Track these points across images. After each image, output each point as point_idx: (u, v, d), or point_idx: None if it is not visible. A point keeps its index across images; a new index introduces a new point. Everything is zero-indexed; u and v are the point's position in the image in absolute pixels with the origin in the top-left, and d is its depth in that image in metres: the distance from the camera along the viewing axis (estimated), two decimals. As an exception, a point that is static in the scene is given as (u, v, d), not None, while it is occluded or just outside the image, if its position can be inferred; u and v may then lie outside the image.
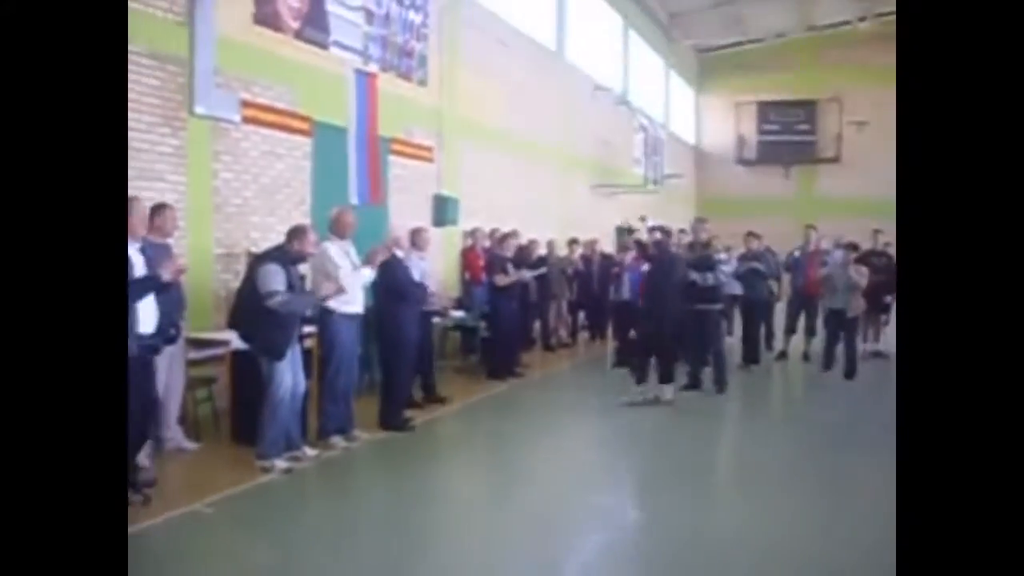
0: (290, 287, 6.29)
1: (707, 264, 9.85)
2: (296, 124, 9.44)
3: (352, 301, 6.99)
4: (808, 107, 28.19)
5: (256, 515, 5.64)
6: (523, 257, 12.25)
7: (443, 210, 12.28)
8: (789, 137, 28.66)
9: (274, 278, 6.20)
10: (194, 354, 7.49)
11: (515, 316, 10.80)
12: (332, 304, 6.86)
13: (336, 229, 7.15)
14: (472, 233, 12.39)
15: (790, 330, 12.97)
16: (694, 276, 9.80)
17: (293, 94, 9.39)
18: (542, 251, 13.73)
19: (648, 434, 8.25)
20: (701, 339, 10.10)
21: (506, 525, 5.66)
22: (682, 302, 9.52)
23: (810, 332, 12.78)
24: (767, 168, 28.53)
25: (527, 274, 11.21)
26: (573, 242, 14.94)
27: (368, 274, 7.14)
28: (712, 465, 7.50)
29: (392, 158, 11.24)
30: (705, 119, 29.94)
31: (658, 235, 9.75)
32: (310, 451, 6.76)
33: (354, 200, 10.01)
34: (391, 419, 7.69)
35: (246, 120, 8.63)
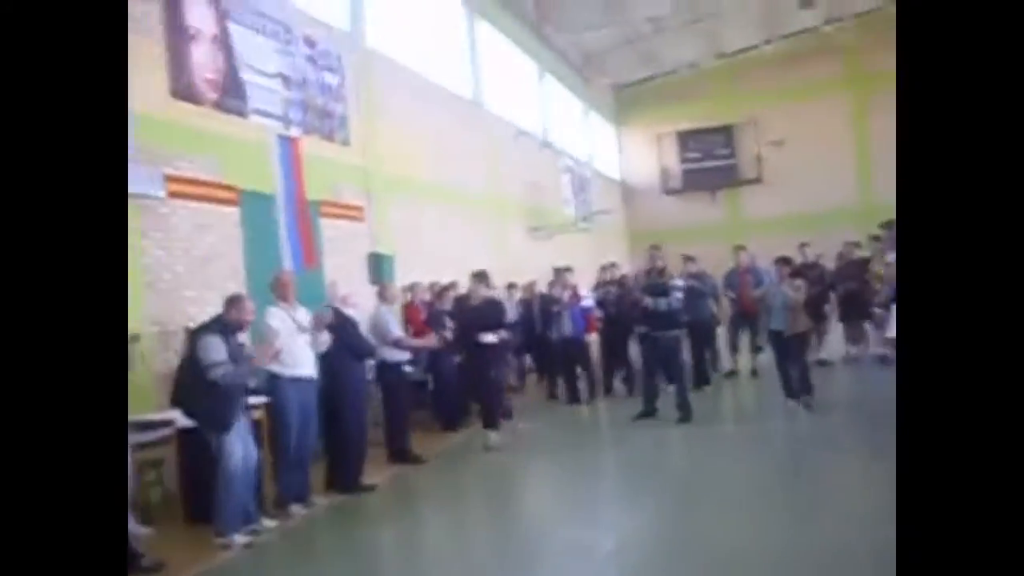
0: (231, 357, 6.19)
1: (661, 290, 9.89)
2: (223, 195, 9.36)
3: (299, 364, 6.90)
4: (726, 132, 28.78)
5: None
6: (462, 307, 12.24)
7: (379, 268, 12.23)
8: (711, 163, 29.19)
9: (214, 349, 6.10)
10: (138, 437, 7.30)
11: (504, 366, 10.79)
12: (278, 369, 6.77)
13: (278, 292, 7.08)
14: (411, 288, 12.31)
15: (733, 347, 13.19)
16: (647, 302, 9.87)
17: (217, 165, 9.32)
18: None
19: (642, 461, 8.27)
20: (663, 365, 10.12)
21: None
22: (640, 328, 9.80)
23: (755, 349, 12.96)
24: (693, 195, 29.00)
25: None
26: (511, 286, 14.96)
27: (325, 339, 7.07)
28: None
29: (323, 220, 11.19)
30: (628, 153, 30.39)
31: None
32: (268, 523, 6.61)
33: (288, 265, 9.90)
34: (348, 480, 7.56)
35: (172, 195, 8.53)
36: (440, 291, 11.08)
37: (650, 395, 10.08)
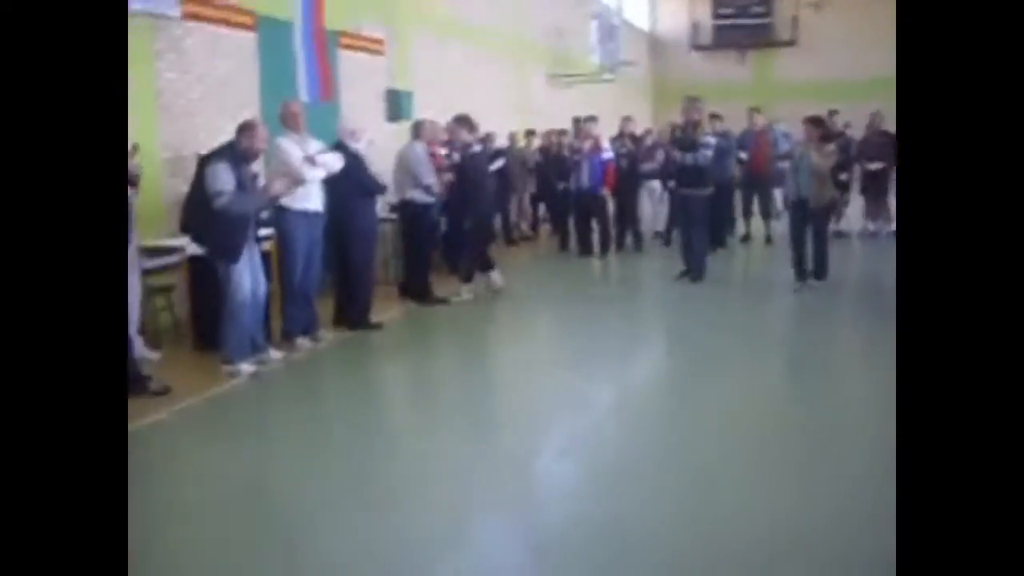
0: (240, 186, 6.07)
1: (691, 144, 9.56)
2: (238, 19, 9.03)
3: (307, 197, 6.78)
4: (764, -11, 27.72)
5: (225, 421, 5.56)
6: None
7: (397, 105, 11.95)
8: (745, 21, 28.24)
9: (222, 177, 5.98)
10: (149, 263, 7.28)
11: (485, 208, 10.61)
12: (286, 201, 6.66)
13: (287, 122, 6.90)
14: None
15: (746, 212, 13.01)
16: (676, 155, 9.64)
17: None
18: (501, 143, 13.50)
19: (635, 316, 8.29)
20: (685, 225, 9.95)
21: (480, 419, 5.63)
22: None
23: (765, 215, 12.82)
24: (723, 53, 28.18)
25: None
26: (530, 133, 14.71)
27: (332, 159, 6.90)
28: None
29: (341, 52, 10.85)
30: (659, 4, 29.34)
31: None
32: (276, 354, 6.65)
33: (304, 97, 9.69)
34: (357, 317, 7.58)
35: (187, 16, 8.23)
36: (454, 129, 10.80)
37: (688, 254, 9.82)
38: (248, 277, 6.19)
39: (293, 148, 6.75)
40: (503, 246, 13.29)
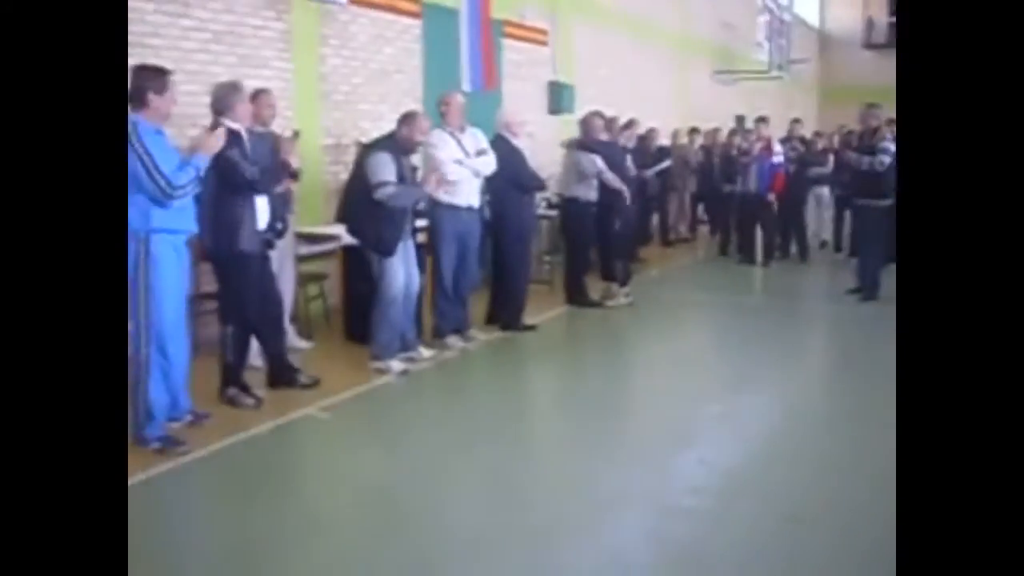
0: (400, 178, 5.85)
1: (868, 148, 8.75)
2: (404, 5, 8.88)
3: (458, 192, 6.50)
4: (946, -16, 25.97)
5: (373, 420, 5.35)
6: (643, 148, 11.60)
7: (559, 97, 11.62)
8: (923, 17, 26.60)
9: (384, 168, 5.76)
10: (304, 249, 7.20)
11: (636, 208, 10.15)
12: (440, 196, 6.41)
13: (444, 115, 6.63)
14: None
15: None
16: (851, 157, 8.90)
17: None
18: (663, 141, 13.01)
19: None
20: (860, 238, 9.22)
21: (630, 433, 5.22)
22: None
23: None
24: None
25: (647, 173, 10.57)
26: (694, 131, 14.10)
27: (483, 163, 6.61)
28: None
29: (505, 42, 10.60)
30: (831, 0, 28.01)
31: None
32: (426, 352, 6.42)
33: (467, 87, 9.43)
34: (510, 318, 7.28)
35: (353, 2, 8.12)
36: (623, 128, 10.38)
37: (863, 270, 9.02)
38: (402, 272, 5.98)
39: (444, 144, 6.49)
40: (659, 247, 12.83)
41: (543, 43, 11.44)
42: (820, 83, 27.15)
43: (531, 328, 7.34)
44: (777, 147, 11.05)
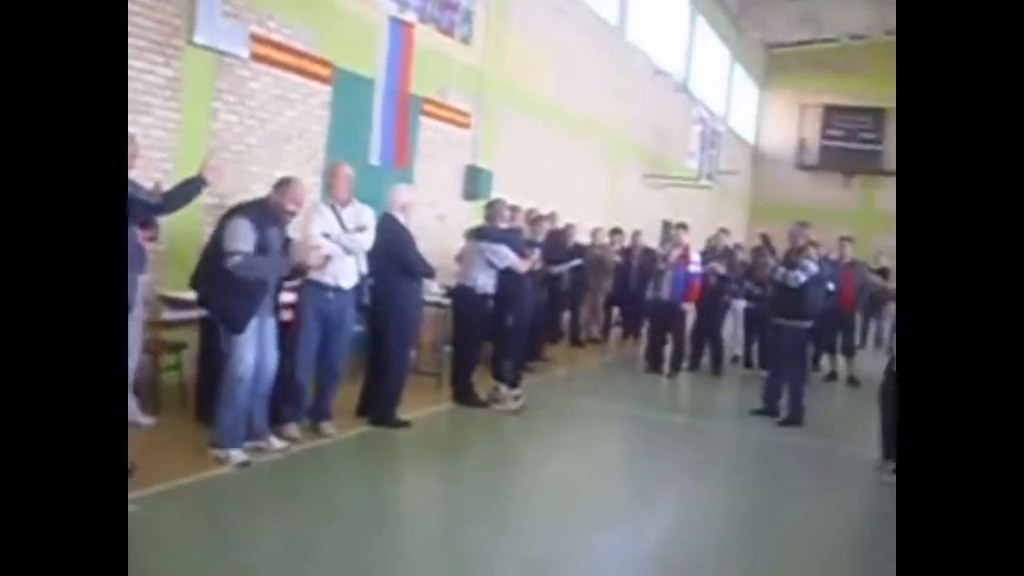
0: (261, 248, 5.26)
1: (790, 263, 8.45)
2: (315, 69, 8.40)
3: (328, 270, 5.94)
4: (877, 115, 26.60)
5: (186, 520, 4.65)
6: (557, 243, 11.22)
7: (475, 182, 11.18)
8: (854, 145, 27.23)
9: (240, 236, 5.18)
10: (167, 314, 6.56)
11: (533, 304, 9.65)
12: (310, 272, 5.85)
13: (330, 186, 6.12)
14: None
15: (831, 349, 11.80)
16: (779, 272, 8.51)
17: (314, 35, 8.36)
18: (582, 238, 12.66)
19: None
20: (782, 357, 8.65)
21: (460, 568, 4.54)
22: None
23: (848, 352, 11.73)
24: (828, 175, 27.12)
25: (556, 269, 10.13)
26: (615, 232, 13.78)
27: (356, 240, 6.06)
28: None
29: (423, 119, 10.19)
30: (767, 117, 28.53)
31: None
32: (278, 443, 5.75)
33: (375, 160, 9.01)
34: (381, 411, 6.66)
35: (256, 57, 7.63)
36: (533, 220, 9.98)
37: (771, 391, 8.66)
38: (252, 351, 5.35)
39: (319, 217, 5.98)
40: (568, 347, 12.36)
41: (464, 125, 11.07)
42: (751, 197, 27.42)
43: (404, 424, 6.72)
44: (695, 256, 10.74)
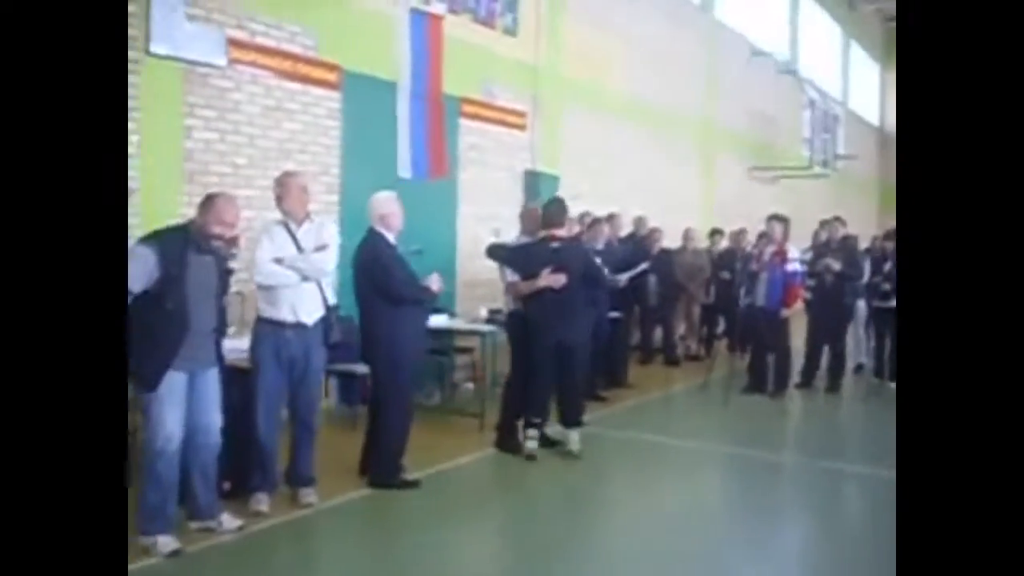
0: (168, 284, 4.17)
1: None
2: (316, 73, 7.39)
3: (277, 303, 4.85)
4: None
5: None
6: (635, 250, 9.89)
7: (536, 190, 9.91)
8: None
9: (136, 271, 4.08)
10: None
11: (603, 321, 8.26)
12: (260, 306, 4.75)
13: (280, 200, 5.01)
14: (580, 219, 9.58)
15: None
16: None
17: (316, 36, 7.35)
18: (668, 243, 11.21)
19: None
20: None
21: None
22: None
23: None
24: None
25: (620, 278, 8.71)
26: (715, 233, 12.25)
27: (311, 263, 4.90)
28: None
29: (464, 122, 9.04)
30: (892, 97, 26.12)
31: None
32: (230, 522, 4.63)
33: (405, 172, 7.87)
34: (380, 470, 5.46)
35: (235, 62, 6.65)
36: (590, 224, 8.63)
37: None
38: (175, 413, 4.25)
39: (269, 238, 4.87)
40: (663, 367, 10.92)
41: (518, 126, 9.86)
42: (881, 183, 25.12)
43: (412, 485, 5.48)
44: (793, 253, 9.14)
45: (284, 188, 4.96)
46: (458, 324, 7.74)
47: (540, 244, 6.33)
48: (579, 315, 6.38)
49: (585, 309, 6.61)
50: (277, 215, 5.06)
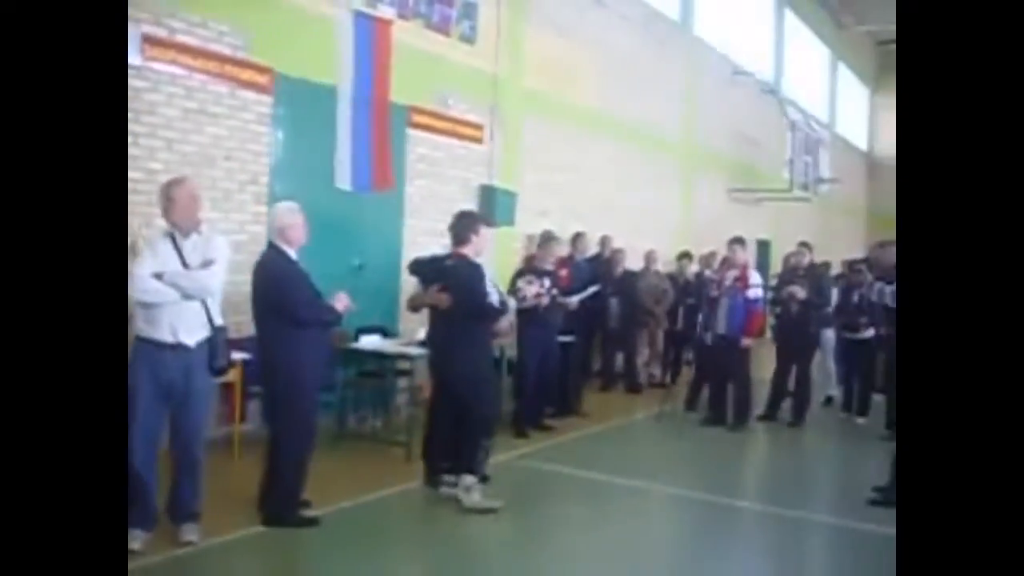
0: None
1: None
2: (245, 75, 6.95)
3: (156, 323, 4.39)
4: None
5: None
6: (596, 271, 9.46)
7: (492, 205, 9.47)
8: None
9: None
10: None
11: (552, 346, 7.83)
12: (137, 326, 4.30)
13: (167, 211, 4.54)
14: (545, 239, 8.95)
15: None
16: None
17: (246, 35, 6.92)
18: (630, 264, 10.77)
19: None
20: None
21: None
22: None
23: None
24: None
25: (571, 300, 8.20)
26: (684, 256, 11.72)
27: (193, 280, 4.42)
28: None
29: (412, 132, 8.60)
30: (882, 122, 25.81)
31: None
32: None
33: (345, 184, 7.44)
34: (275, 506, 4.98)
35: (149, 59, 6.21)
36: (542, 242, 8.16)
37: None
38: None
39: (152, 252, 4.40)
40: (624, 394, 10.46)
41: (474, 139, 9.42)
42: (868, 208, 24.77)
43: (310, 523, 5.00)
44: (755, 278, 8.71)
45: (170, 199, 4.49)
46: (389, 346, 7.25)
47: (439, 260, 5.87)
48: (457, 345, 5.69)
49: (466, 339, 5.69)
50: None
